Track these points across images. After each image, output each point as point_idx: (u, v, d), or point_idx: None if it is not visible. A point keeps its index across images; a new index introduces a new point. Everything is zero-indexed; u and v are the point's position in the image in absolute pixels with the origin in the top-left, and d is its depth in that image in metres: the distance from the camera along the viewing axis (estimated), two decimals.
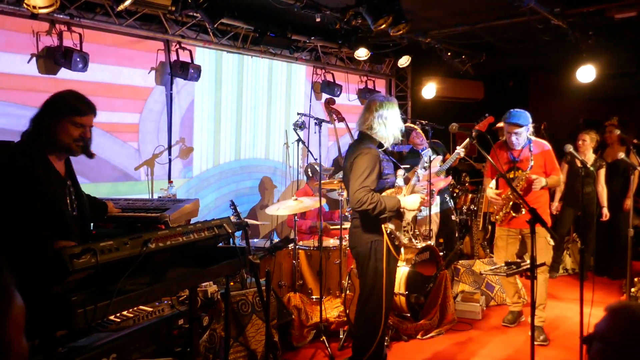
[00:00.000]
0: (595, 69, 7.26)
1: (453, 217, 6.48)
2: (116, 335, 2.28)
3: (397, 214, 3.80)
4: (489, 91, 9.46)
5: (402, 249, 3.92)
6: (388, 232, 3.74)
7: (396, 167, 3.99)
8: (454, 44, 7.84)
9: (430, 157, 5.22)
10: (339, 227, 5.35)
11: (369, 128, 3.78)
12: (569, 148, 4.55)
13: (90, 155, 2.88)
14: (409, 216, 3.91)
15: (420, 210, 3.88)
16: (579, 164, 4.98)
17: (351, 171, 3.71)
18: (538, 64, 9.07)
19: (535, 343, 5.18)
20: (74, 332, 2.10)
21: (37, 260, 2.34)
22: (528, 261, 3.33)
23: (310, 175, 6.44)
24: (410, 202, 3.74)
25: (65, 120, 2.68)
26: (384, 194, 3.76)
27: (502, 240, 5.19)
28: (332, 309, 5.06)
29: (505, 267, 3.96)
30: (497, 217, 5.13)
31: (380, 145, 3.84)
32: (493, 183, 5.21)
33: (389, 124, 3.76)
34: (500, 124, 5.37)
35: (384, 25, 5.49)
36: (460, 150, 5.44)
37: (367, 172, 3.62)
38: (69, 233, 2.69)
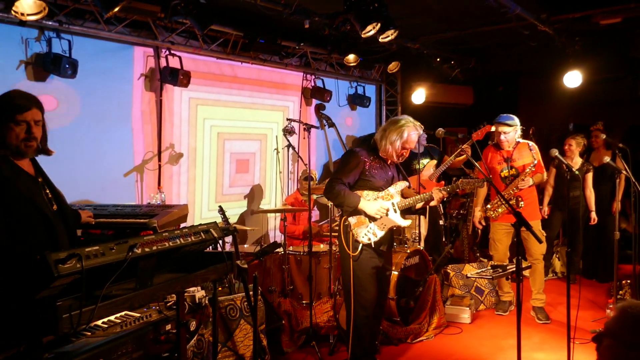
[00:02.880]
0: (582, 74, 7.33)
1: (441, 222, 6.51)
2: (103, 340, 2.28)
3: (368, 215, 3.98)
4: (478, 96, 9.51)
5: (360, 247, 3.94)
6: (345, 224, 3.98)
7: (403, 178, 4.19)
8: (442, 49, 7.90)
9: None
10: (333, 232, 5.39)
11: (376, 135, 4.14)
12: (555, 152, 4.59)
13: (47, 152, 2.85)
14: (400, 223, 4.04)
15: (379, 217, 3.96)
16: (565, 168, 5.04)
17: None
18: (526, 69, 9.14)
19: (540, 322, 5.52)
20: (59, 337, 2.10)
21: (23, 265, 2.34)
22: (513, 265, 3.37)
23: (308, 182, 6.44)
24: (369, 206, 3.94)
25: (7, 121, 2.63)
26: (365, 192, 3.99)
27: (499, 234, 5.61)
28: (322, 314, 5.07)
29: (492, 270, 4.03)
30: (492, 213, 5.51)
31: (375, 151, 4.09)
32: (479, 212, 5.75)
33: (385, 137, 4.02)
34: (492, 128, 5.60)
35: (372, 32, 5.53)
36: (465, 148, 5.45)
37: (344, 166, 4.01)
38: (53, 229, 2.69)
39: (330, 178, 4.03)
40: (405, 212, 4.18)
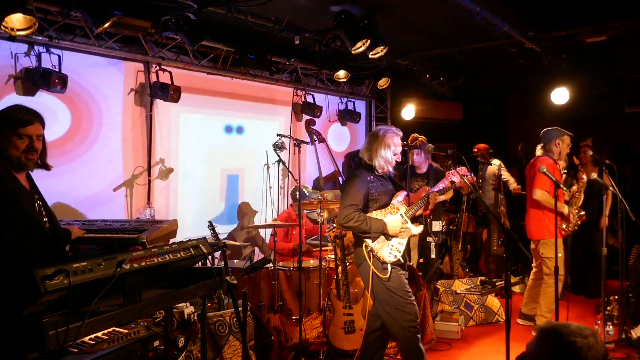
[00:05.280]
0: (569, 90, 7.42)
1: (429, 239, 6.50)
2: (90, 357, 2.26)
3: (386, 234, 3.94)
4: (467, 112, 9.60)
5: (389, 267, 3.91)
6: (368, 250, 3.92)
7: (399, 188, 4.19)
8: (432, 66, 7.98)
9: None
10: (325, 248, 5.38)
11: (363, 155, 4.13)
12: (543, 169, 4.64)
13: (47, 167, 2.88)
14: (415, 232, 4.06)
15: (400, 234, 3.96)
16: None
17: (343, 191, 4.06)
18: (515, 86, 9.26)
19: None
20: (46, 354, 2.08)
21: (10, 280, 2.32)
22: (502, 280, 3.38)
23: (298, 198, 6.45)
24: (392, 226, 3.92)
25: (9, 133, 2.66)
26: (374, 213, 3.97)
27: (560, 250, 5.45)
28: (312, 330, 5.05)
29: (481, 286, 4.04)
30: (569, 229, 5.58)
31: (372, 169, 4.07)
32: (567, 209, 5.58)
33: (375, 154, 4.04)
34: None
35: (362, 48, 5.59)
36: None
37: (355, 191, 3.94)
38: (49, 240, 2.69)
39: (344, 207, 3.91)
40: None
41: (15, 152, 2.67)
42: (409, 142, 6.10)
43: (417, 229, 4.07)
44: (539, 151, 5.74)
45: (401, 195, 4.11)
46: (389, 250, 3.95)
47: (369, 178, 4.01)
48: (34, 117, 2.75)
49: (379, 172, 4.07)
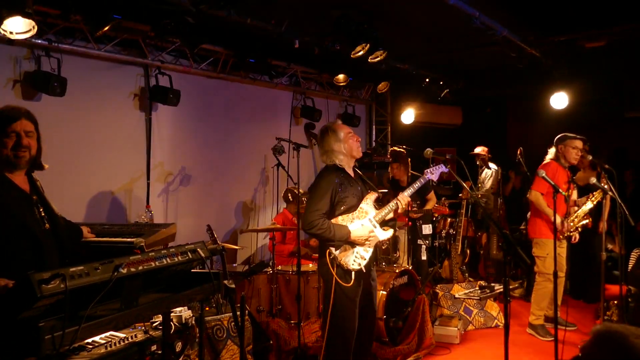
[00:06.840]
0: (569, 95, 7.43)
1: (419, 242, 6.50)
2: None
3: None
4: (467, 117, 9.60)
5: (353, 274, 3.72)
6: (331, 257, 3.73)
7: (370, 189, 4.00)
8: (431, 70, 7.99)
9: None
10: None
11: (325, 160, 3.96)
12: (542, 173, 4.63)
13: (40, 166, 2.84)
14: (383, 237, 3.85)
15: (364, 244, 3.78)
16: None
17: (309, 194, 3.90)
18: (514, 91, 9.25)
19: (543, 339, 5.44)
20: (42, 358, 2.07)
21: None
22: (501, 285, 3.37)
23: (291, 199, 6.47)
24: (359, 234, 3.74)
25: None
26: (340, 218, 3.78)
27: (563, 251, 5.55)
28: (311, 334, 5.03)
29: (480, 291, 4.02)
30: (570, 233, 5.54)
31: (338, 169, 3.88)
32: (558, 219, 5.35)
33: (331, 150, 3.89)
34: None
35: (361, 52, 5.60)
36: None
37: (320, 195, 3.76)
38: (41, 247, 2.66)
39: (308, 212, 3.72)
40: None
41: (5, 150, 2.63)
42: (389, 156, 6.09)
43: (386, 234, 3.85)
44: (549, 156, 5.73)
45: (371, 197, 3.90)
46: (353, 258, 3.75)
47: (336, 180, 3.79)
48: (20, 113, 2.69)
49: (343, 166, 3.87)
